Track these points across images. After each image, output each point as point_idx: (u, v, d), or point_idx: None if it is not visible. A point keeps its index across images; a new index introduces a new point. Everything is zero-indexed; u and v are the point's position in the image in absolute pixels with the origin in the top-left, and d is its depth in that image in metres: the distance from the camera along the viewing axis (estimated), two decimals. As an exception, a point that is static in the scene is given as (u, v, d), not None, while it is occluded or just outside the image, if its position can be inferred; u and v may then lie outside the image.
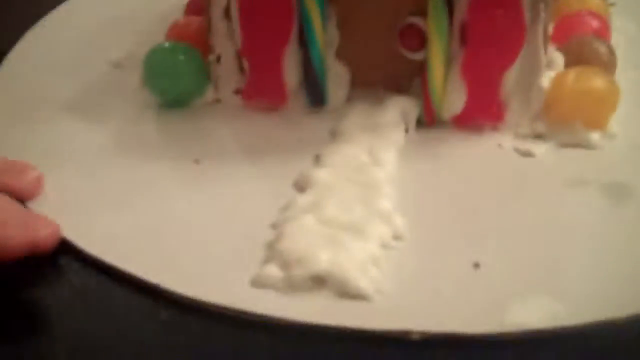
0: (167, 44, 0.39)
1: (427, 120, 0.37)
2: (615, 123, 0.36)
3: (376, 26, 0.37)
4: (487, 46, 0.35)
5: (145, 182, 0.34)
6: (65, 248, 0.30)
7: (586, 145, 0.35)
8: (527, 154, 0.35)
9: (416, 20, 0.36)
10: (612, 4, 0.47)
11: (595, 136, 0.35)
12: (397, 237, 0.30)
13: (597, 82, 0.35)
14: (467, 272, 0.28)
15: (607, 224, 0.31)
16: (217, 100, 0.39)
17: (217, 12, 0.37)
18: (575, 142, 0.35)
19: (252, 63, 0.38)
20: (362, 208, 0.30)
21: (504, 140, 0.36)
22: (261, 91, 0.38)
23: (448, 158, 0.35)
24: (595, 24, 0.40)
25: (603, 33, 0.40)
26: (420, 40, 0.36)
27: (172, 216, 0.32)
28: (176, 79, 0.38)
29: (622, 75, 0.40)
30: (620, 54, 0.41)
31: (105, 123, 0.38)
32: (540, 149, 0.35)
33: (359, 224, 0.29)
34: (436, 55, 0.35)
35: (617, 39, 0.43)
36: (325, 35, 0.37)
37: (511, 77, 0.35)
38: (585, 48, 0.38)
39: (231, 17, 0.37)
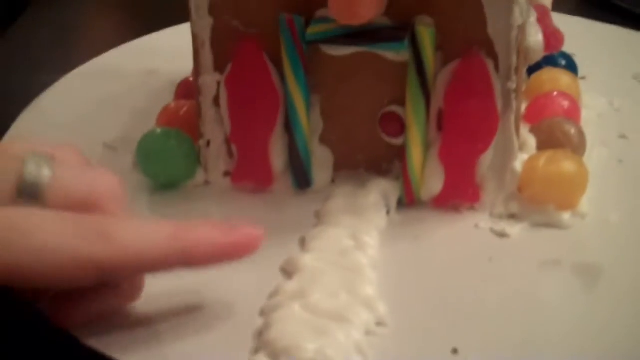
0: (159, 130, 0.41)
1: (408, 201, 0.39)
2: (585, 202, 0.38)
3: (358, 113, 0.39)
4: (462, 133, 0.37)
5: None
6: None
7: (558, 226, 0.37)
8: (502, 235, 0.37)
9: (396, 108, 0.38)
10: (582, 78, 0.49)
11: (566, 216, 0.37)
12: (380, 323, 0.31)
13: (567, 165, 0.37)
14: (447, 358, 0.30)
15: (580, 305, 0.33)
16: (207, 183, 0.41)
17: (207, 100, 0.39)
18: (547, 222, 0.37)
19: (240, 148, 0.39)
20: (346, 295, 0.32)
21: (481, 220, 0.38)
22: (249, 174, 0.40)
23: (428, 239, 0.37)
24: (565, 104, 0.42)
25: (573, 113, 0.42)
26: (399, 127, 0.38)
27: (160, 303, 0.33)
28: (168, 164, 0.40)
29: (593, 151, 0.43)
30: (590, 131, 0.43)
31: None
32: (514, 229, 0.37)
33: (343, 311, 0.31)
34: (415, 141, 0.37)
35: (587, 116, 0.45)
36: (310, 122, 0.39)
37: (486, 161, 0.37)
38: (555, 130, 0.40)
39: (220, 105, 0.39)
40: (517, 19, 0.35)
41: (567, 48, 0.45)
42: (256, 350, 0.30)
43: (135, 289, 0.32)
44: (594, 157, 0.42)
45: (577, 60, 0.48)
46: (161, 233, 0.29)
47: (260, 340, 0.30)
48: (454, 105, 0.37)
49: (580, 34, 0.53)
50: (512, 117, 0.37)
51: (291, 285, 0.32)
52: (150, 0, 0.70)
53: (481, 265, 0.35)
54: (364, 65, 0.38)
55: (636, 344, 0.31)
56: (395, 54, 0.37)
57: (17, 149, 0.30)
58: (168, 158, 0.40)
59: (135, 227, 0.30)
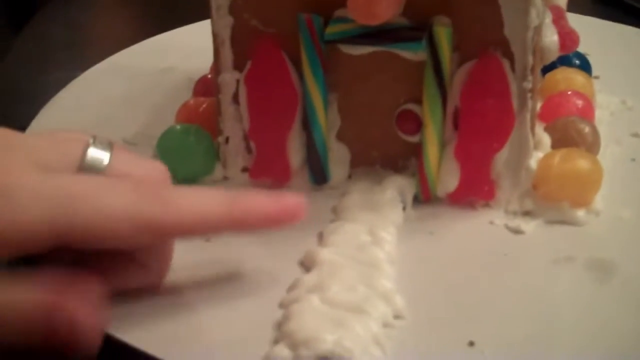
0: (178, 127, 0.41)
1: (424, 197, 0.39)
2: (599, 199, 0.39)
3: (375, 111, 0.39)
4: (478, 131, 0.37)
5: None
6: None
7: (572, 223, 0.38)
8: (517, 231, 0.37)
9: (412, 106, 0.39)
10: (595, 77, 0.50)
11: (580, 213, 0.38)
12: (397, 316, 0.32)
13: (581, 163, 0.38)
14: (463, 350, 0.30)
15: (593, 300, 0.33)
16: (225, 178, 0.42)
17: (226, 98, 0.40)
18: (562, 219, 0.38)
19: (258, 144, 0.40)
20: (364, 288, 0.32)
21: (496, 217, 0.38)
22: (267, 170, 0.41)
23: (443, 235, 0.37)
24: (579, 103, 0.43)
25: (587, 112, 0.43)
26: (416, 125, 0.39)
27: (182, 296, 0.34)
28: (187, 159, 0.40)
29: (607, 150, 0.43)
30: (603, 129, 0.43)
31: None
32: (529, 226, 0.38)
33: (361, 304, 0.31)
34: (431, 139, 0.38)
35: (601, 115, 0.46)
36: (327, 120, 0.39)
37: (501, 159, 0.38)
38: (570, 128, 0.40)
39: (239, 102, 0.40)
40: (534, 20, 0.36)
41: (581, 48, 0.46)
42: (276, 341, 0.30)
43: (162, 270, 0.33)
44: (608, 155, 0.43)
45: (591, 59, 0.49)
46: (216, 199, 0.31)
47: (280, 331, 0.31)
48: (470, 104, 0.37)
49: (594, 34, 0.54)
50: (528, 116, 0.38)
51: (310, 279, 0.33)
52: None
53: (496, 261, 0.36)
54: (381, 64, 0.38)
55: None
56: (413, 53, 0.37)
57: (78, 134, 0.32)
58: (187, 154, 0.40)
59: (192, 193, 0.32)
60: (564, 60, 0.46)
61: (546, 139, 0.40)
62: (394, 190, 0.39)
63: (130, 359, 0.31)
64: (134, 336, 0.31)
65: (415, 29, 0.37)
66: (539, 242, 0.37)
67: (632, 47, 0.54)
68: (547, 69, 0.46)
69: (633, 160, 0.43)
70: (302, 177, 0.41)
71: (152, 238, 0.31)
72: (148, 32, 0.59)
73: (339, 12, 0.37)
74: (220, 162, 0.41)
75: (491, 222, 0.38)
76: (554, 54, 0.39)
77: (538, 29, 0.37)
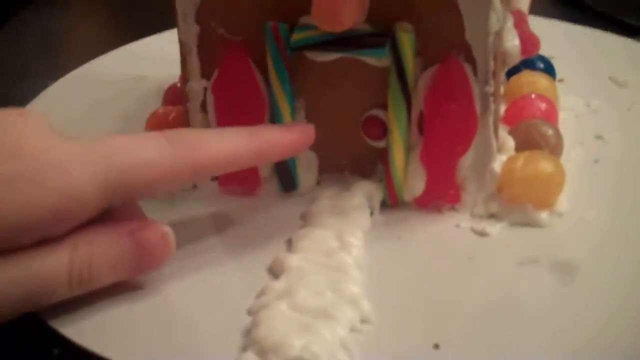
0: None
1: (391, 202, 0.40)
2: (563, 201, 0.40)
3: (342, 117, 0.40)
4: (442, 135, 0.38)
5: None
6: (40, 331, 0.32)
7: (536, 224, 0.38)
8: (483, 234, 0.38)
9: (378, 112, 0.39)
10: (560, 80, 0.51)
11: (544, 215, 0.38)
12: (364, 320, 0.32)
13: (544, 166, 0.39)
14: (429, 353, 0.31)
15: (557, 302, 0.34)
16: (195, 186, 0.42)
17: (194, 106, 0.40)
18: (526, 221, 0.38)
19: (227, 152, 0.40)
20: (331, 293, 0.33)
21: (462, 220, 0.39)
22: (236, 178, 0.41)
23: (410, 239, 0.38)
24: (543, 106, 0.44)
25: (550, 115, 0.43)
26: (382, 130, 0.39)
27: (150, 302, 0.34)
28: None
29: (571, 151, 0.44)
30: (568, 132, 0.44)
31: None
32: (494, 228, 0.38)
33: (329, 309, 0.32)
34: (396, 144, 0.38)
35: (565, 117, 0.47)
36: (295, 126, 0.40)
37: (466, 163, 0.38)
38: (533, 131, 0.41)
39: (207, 110, 0.40)
40: (494, 25, 0.36)
41: (545, 50, 0.47)
42: (245, 348, 0.31)
43: (164, 254, 0.34)
44: (572, 157, 0.43)
45: (555, 62, 0.50)
46: (240, 136, 0.35)
47: (249, 338, 0.31)
48: (434, 108, 0.38)
49: (558, 37, 0.55)
50: (491, 120, 0.38)
51: (278, 285, 0.33)
52: (136, 7, 0.70)
53: (462, 264, 0.36)
54: (346, 71, 0.39)
55: (612, 338, 0.32)
56: (377, 59, 0.38)
57: None
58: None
59: (217, 134, 0.36)
60: (528, 64, 0.47)
61: (510, 142, 0.41)
62: (362, 195, 0.39)
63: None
64: (102, 343, 0.31)
65: (378, 35, 0.37)
66: (503, 245, 0.37)
67: (596, 49, 0.55)
68: (511, 72, 0.47)
69: (596, 162, 0.44)
70: (271, 185, 0.41)
71: (190, 178, 0.35)
72: (121, 40, 0.59)
73: (304, 20, 0.38)
74: (190, 170, 0.41)
75: (457, 225, 0.39)
76: (515, 58, 0.40)
77: (499, 34, 0.37)
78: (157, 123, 0.43)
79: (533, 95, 0.44)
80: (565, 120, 0.46)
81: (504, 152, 0.40)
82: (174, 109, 0.44)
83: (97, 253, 0.32)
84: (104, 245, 0.32)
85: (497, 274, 0.36)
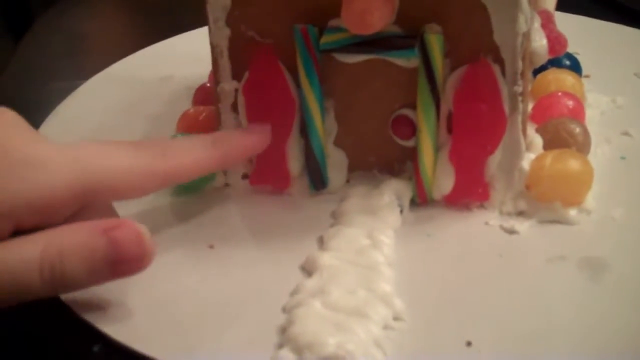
0: (179, 136, 0.42)
1: (420, 200, 0.40)
2: (591, 198, 0.40)
3: (371, 117, 0.40)
4: (471, 135, 0.38)
5: (161, 266, 0.36)
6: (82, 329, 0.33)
7: (565, 222, 0.39)
8: (512, 231, 0.38)
9: (407, 112, 0.40)
10: (586, 76, 0.51)
11: (572, 213, 0.39)
12: (397, 318, 0.33)
13: (572, 164, 0.39)
14: (461, 350, 0.31)
15: (587, 298, 0.34)
16: (227, 185, 0.43)
17: (225, 107, 0.41)
18: (555, 219, 0.39)
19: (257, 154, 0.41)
20: (364, 292, 0.33)
21: (490, 218, 0.39)
22: (267, 177, 0.42)
23: (440, 237, 0.38)
24: (570, 104, 0.44)
25: (577, 113, 0.44)
26: (411, 130, 0.40)
27: (187, 302, 0.35)
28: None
29: (598, 149, 0.44)
30: (594, 129, 0.45)
31: (121, 209, 0.41)
32: (523, 226, 0.39)
33: (362, 307, 0.33)
34: (425, 143, 0.39)
35: (591, 114, 0.47)
36: (325, 126, 0.40)
37: (494, 161, 0.39)
38: (561, 130, 0.41)
39: (238, 111, 0.41)
40: (522, 26, 0.37)
41: (571, 47, 0.47)
42: (280, 345, 0.31)
43: (139, 254, 0.33)
44: (599, 154, 0.44)
45: (581, 58, 0.50)
46: (204, 145, 0.38)
47: (284, 335, 0.32)
48: (463, 108, 0.38)
49: (584, 33, 0.55)
50: (519, 119, 0.39)
51: (311, 283, 0.34)
52: (159, 7, 0.71)
53: (492, 261, 0.37)
54: (375, 72, 0.39)
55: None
56: (406, 60, 0.38)
57: None
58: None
59: (182, 142, 0.39)
60: (555, 61, 0.47)
61: (538, 140, 0.41)
62: (391, 194, 0.40)
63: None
64: (143, 341, 0.32)
65: (407, 37, 0.38)
66: (532, 242, 0.38)
67: (622, 45, 0.55)
68: (538, 69, 0.48)
69: (623, 158, 0.44)
70: (302, 183, 0.42)
71: (159, 185, 0.36)
72: (147, 40, 0.60)
73: (333, 22, 0.38)
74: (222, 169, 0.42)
75: (486, 223, 0.39)
76: (543, 57, 0.40)
77: (527, 35, 0.38)
78: (188, 123, 0.44)
79: (560, 93, 0.44)
80: (592, 117, 0.47)
81: (532, 150, 0.41)
82: (204, 109, 0.44)
83: (69, 249, 0.32)
84: (76, 242, 0.32)
85: (527, 271, 0.36)
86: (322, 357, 0.30)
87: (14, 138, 0.33)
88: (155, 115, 0.49)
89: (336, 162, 0.41)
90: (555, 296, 0.35)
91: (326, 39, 0.38)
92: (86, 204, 0.34)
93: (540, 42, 0.40)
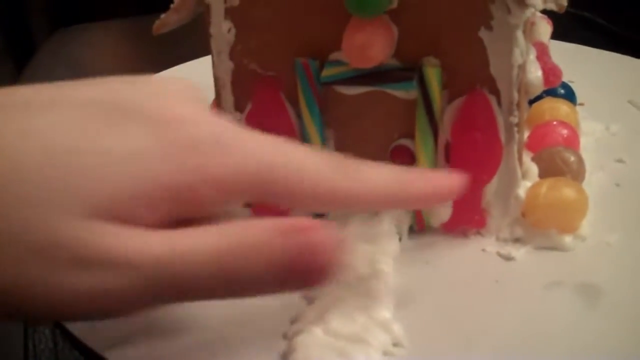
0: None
1: (418, 227, 0.41)
2: (586, 225, 0.41)
3: (370, 146, 0.41)
4: (468, 164, 0.39)
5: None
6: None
7: (561, 248, 0.40)
8: (508, 258, 0.39)
9: (405, 142, 0.41)
10: (580, 104, 0.52)
11: (568, 239, 0.40)
12: (396, 344, 0.34)
13: (567, 192, 0.40)
14: (459, 375, 0.32)
15: (583, 324, 0.35)
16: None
17: (228, 137, 0.42)
18: (550, 245, 0.40)
19: (260, 181, 0.42)
20: (363, 318, 0.34)
21: (487, 245, 0.40)
22: (270, 208, 0.42)
23: (438, 264, 0.39)
24: (565, 133, 0.45)
25: (572, 141, 0.45)
26: (409, 159, 0.41)
27: (187, 327, 0.35)
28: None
29: (592, 176, 0.45)
30: (589, 156, 0.46)
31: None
32: (519, 252, 0.40)
33: (362, 334, 0.33)
34: (424, 172, 0.40)
35: (585, 142, 0.48)
36: (325, 156, 0.41)
37: (491, 189, 0.40)
38: (556, 158, 0.42)
39: (241, 141, 0.42)
40: (518, 59, 0.38)
41: (566, 75, 0.48)
42: (283, 373, 0.32)
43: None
44: (593, 181, 0.45)
45: (575, 86, 0.51)
46: (396, 177, 0.32)
47: (288, 363, 0.33)
48: (460, 138, 0.39)
49: (578, 61, 0.56)
50: (515, 149, 0.40)
51: (312, 311, 0.35)
52: (163, 36, 0.72)
53: (489, 287, 0.38)
54: (375, 103, 0.40)
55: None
56: (405, 92, 0.39)
57: None
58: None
59: (373, 168, 0.32)
60: (550, 91, 0.48)
61: (534, 169, 0.42)
62: (391, 221, 0.40)
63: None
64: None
65: (406, 69, 0.39)
66: (529, 268, 0.39)
67: (615, 72, 0.56)
68: (534, 99, 0.49)
69: (617, 185, 0.45)
70: (301, 211, 0.42)
71: (333, 206, 0.32)
72: (150, 69, 0.60)
73: (333, 56, 0.39)
74: (224, 198, 0.43)
75: (483, 250, 0.40)
76: (538, 88, 0.41)
77: (522, 67, 0.39)
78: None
79: (555, 122, 0.45)
80: (586, 145, 0.48)
81: (528, 178, 0.42)
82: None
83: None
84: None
85: (524, 298, 0.37)
86: (324, 384, 0.31)
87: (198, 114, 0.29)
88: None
89: (337, 191, 0.42)
90: (551, 322, 0.35)
91: (327, 72, 0.39)
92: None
93: (535, 73, 0.41)
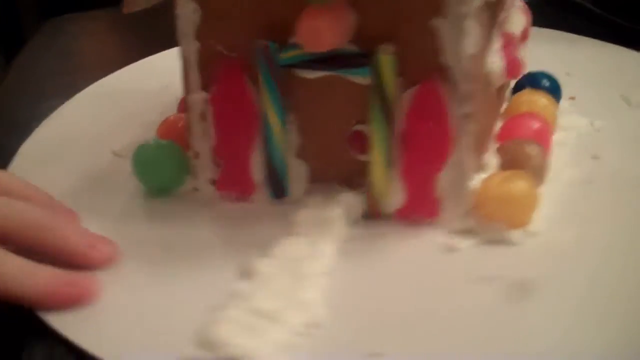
0: (152, 142, 0.45)
1: (372, 214, 0.42)
2: (542, 220, 0.40)
3: (330, 131, 0.42)
4: (420, 153, 0.40)
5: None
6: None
7: (508, 242, 0.39)
8: (453, 249, 0.39)
9: (362, 127, 0.41)
10: (572, 98, 0.51)
11: (516, 234, 0.39)
12: (313, 325, 0.35)
13: (518, 186, 0.40)
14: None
15: (504, 319, 0.35)
16: (195, 189, 0.45)
17: (195, 116, 0.43)
18: (498, 239, 0.40)
19: (224, 160, 0.43)
20: (287, 298, 0.35)
21: (437, 235, 0.40)
22: (232, 184, 0.44)
23: (384, 251, 0.40)
24: (535, 126, 0.44)
25: (542, 135, 0.44)
26: (365, 145, 0.41)
27: (118, 297, 0.37)
28: (159, 172, 0.44)
29: (565, 171, 0.45)
30: (566, 151, 0.45)
31: (97, 213, 0.43)
32: (465, 244, 0.39)
33: (280, 312, 0.34)
34: (377, 159, 0.40)
35: (565, 137, 0.47)
36: (287, 138, 0.42)
37: (444, 180, 0.40)
38: (517, 151, 0.42)
39: (207, 120, 0.43)
40: (471, 48, 0.38)
41: (562, 67, 0.47)
42: (197, 344, 0.33)
43: None
44: (565, 177, 0.44)
45: (571, 79, 0.50)
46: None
47: (202, 335, 0.34)
48: (413, 127, 0.39)
49: (575, 52, 0.55)
50: (468, 140, 0.39)
51: (242, 287, 0.36)
52: (153, 25, 0.72)
53: (426, 278, 0.38)
54: (335, 88, 0.41)
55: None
56: (361, 78, 0.40)
57: None
58: (159, 167, 0.44)
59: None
60: (533, 82, 0.48)
61: (494, 161, 0.42)
62: (343, 206, 0.41)
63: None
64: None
65: (361, 55, 0.39)
66: (470, 260, 0.39)
67: (610, 65, 0.55)
68: (516, 89, 0.48)
69: (589, 182, 0.44)
70: (265, 191, 0.44)
71: None
72: (137, 58, 0.61)
73: (292, 39, 0.40)
74: (191, 174, 0.44)
75: (432, 240, 0.40)
76: (500, 79, 0.41)
77: (479, 57, 0.39)
78: (167, 129, 0.47)
79: (527, 114, 0.45)
80: (565, 140, 0.47)
81: (487, 170, 0.42)
82: (183, 117, 0.47)
83: None
84: None
85: (454, 289, 0.37)
86: (229, 358, 0.32)
87: None
88: (144, 123, 0.51)
89: (297, 173, 0.43)
90: (473, 315, 0.35)
91: (285, 55, 0.40)
92: None
93: (496, 63, 0.40)
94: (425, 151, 0.40)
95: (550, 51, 0.54)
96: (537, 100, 0.47)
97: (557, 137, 0.46)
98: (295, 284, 0.36)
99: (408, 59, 0.39)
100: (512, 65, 0.41)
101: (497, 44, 0.41)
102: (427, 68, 0.39)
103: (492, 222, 0.40)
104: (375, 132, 0.40)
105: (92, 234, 0.40)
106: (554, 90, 0.49)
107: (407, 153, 0.40)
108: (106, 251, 0.39)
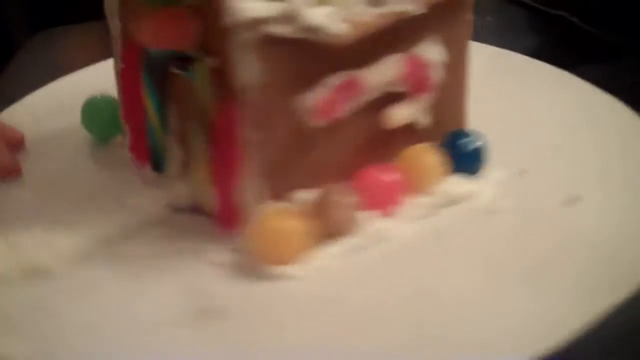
0: (98, 97, 0.52)
1: (195, 207, 0.44)
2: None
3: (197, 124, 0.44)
4: (218, 165, 0.41)
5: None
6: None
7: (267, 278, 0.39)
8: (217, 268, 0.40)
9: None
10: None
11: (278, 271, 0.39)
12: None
13: (285, 223, 0.39)
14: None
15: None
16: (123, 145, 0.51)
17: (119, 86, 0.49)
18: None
19: (128, 127, 0.49)
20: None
21: (219, 253, 0.41)
22: (133, 149, 0.49)
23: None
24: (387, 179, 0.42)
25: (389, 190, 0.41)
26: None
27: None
28: (98, 124, 0.52)
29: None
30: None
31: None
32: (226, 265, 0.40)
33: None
34: (197, 156, 0.43)
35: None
36: (162, 123, 0.46)
37: (238, 198, 0.41)
38: (323, 195, 0.40)
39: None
40: (250, 79, 0.38)
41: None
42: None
43: None
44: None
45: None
46: None
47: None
48: (216, 143, 0.41)
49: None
50: (256, 166, 0.40)
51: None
52: None
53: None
54: (190, 84, 0.43)
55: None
56: (193, 81, 0.42)
57: None
58: (98, 119, 0.52)
59: None
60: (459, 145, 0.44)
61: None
62: (173, 194, 0.45)
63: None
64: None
65: (184, 60, 0.41)
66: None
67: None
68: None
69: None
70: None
71: None
72: None
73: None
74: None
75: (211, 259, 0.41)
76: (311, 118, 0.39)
77: (274, 91, 0.38)
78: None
79: (382, 167, 0.42)
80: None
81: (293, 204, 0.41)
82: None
83: None
84: None
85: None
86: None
87: None
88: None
89: (174, 155, 0.47)
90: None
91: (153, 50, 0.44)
92: None
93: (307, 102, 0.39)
94: (222, 168, 0.41)
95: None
96: (425, 157, 0.43)
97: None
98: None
99: (223, 75, 0.40)
100: (328, 108, 0.39)
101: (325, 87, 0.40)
102: (232, 88, 0.39)
103: (256, 254, 0.40)
104: (193, 133, 0.42)
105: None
106: (473, 158, 0.44)
107: (213, 162, 0.42)
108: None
